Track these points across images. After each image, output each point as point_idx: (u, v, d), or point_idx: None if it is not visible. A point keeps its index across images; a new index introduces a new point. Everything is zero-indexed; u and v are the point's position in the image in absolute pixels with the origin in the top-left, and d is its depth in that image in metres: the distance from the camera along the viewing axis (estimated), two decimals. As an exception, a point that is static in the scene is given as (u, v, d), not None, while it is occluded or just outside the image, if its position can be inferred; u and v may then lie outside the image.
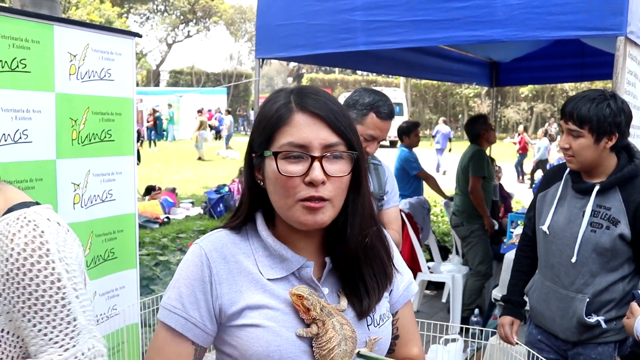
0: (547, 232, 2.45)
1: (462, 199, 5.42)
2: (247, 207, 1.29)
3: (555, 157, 19.40)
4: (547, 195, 2.53)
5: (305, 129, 1.16)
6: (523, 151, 18.30)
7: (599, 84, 32.97)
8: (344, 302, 1.24)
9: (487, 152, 5.71)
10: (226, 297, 1.20)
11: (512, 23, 3.12)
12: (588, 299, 2.35)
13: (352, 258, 1.24)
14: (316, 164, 1.14)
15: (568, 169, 2.44)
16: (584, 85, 34.06)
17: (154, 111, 25.56)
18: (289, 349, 1.17)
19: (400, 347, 1.39)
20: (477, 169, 5.24)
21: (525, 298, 2.70)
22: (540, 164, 16.61)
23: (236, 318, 1.20)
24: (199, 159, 20.35)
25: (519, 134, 19.99)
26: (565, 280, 2.41)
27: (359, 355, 1.21)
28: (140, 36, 3.17)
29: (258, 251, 1.25)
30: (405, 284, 1.39)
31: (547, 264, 2.50)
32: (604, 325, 2.36)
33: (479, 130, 5.46)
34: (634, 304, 2.06)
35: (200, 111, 24.79)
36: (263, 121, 1.21)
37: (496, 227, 5.42)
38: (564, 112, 2.33)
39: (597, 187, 2.31)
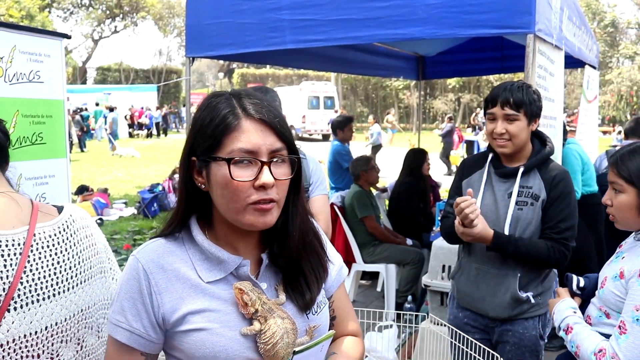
0: None
1: (353, 234, 5.52)
2: (182, 213, 1.32)
3: (484, 145, 20.05)
4: (471, 182, 2.67)
5: (253, 135, 1.21)
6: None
7: (520, 76, 34.34)
8: (282, 296, 1.30)
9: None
10: (167, 305, 1.25)
11: (431, 21, 3.29)
12: (519, 274, 2.53)
13: (294, 256, 1.31)
14: (265, 168, 1.20)
15: (490, 156, 2.62)
16: (508, 77, 35.36)
17: (78, 110, 24.61)
18: (234, 347, 1.22)
19: (337, 326, 1.48)
20: (364, 210, 5.40)
21: (449, 282, 2.83)
22: (375, 149, 16.95)
23: (180, 324, 1.24)
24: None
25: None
26: (496, 260, 2.56)
27: (294, 353, 1.26)
28: (69, 37, 3.16)
29: (195, 255, 1.29)
30: (336, 269, 1.47)
31: (477, 245, 2.62)
32: (532, 301, 2.55)
33: (359, 171, 5.60)
34: (559, 289, 2.24)
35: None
36: (209, 127, 1.23)
37: (409, 242, 5.56)
38: (496, 99, 2.49)
39: (521, 169, 2.53)
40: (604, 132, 28.95)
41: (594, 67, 6.20)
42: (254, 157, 1.20)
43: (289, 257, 1.31)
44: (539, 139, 2.63)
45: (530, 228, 2.52)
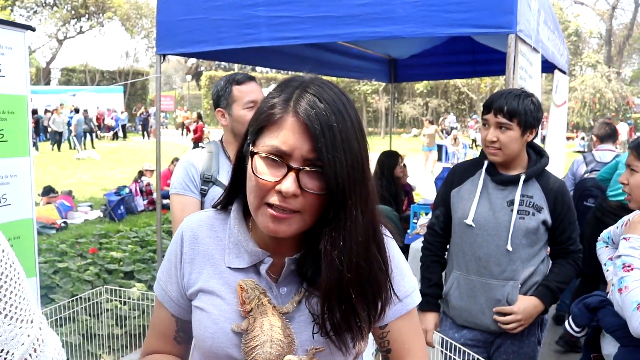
0: (473, 225, 2.50)
1: None
2: (228, 190, 1.28)
3: (452, 149, 20.20)
4: (462, 191, 2.58)
5: (291, 136, 1.08)
6: (198, 140, 18.42)
7: (487, 80, 34.87)
8: (290, 306, 1.20)
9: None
10: (188, 276, 1.26)
11: (410, 20, 3.22)
12: (520, 285, 2.47)
13: (333, 296, 1.13)
14: (291, 175, 1.07)
15: (486, 164, 2.53)
16: (474, 81, 35.86)
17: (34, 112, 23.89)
18: (221, 339, 1.18)
19: None
20: None
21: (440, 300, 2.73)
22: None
23: (194, 298, 1.25)
24: None
25: (194, 121, 19.79)
26: (495, 270, 2.48)
27: None
28: (33, 29, 3.00)
29: (232, 237, 1.24)
30: (400, 295, 1.27)
31: (472, 257, 2.53)
32: None
33: None
34: None
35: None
36: (259, 112, 1.15)
37: None
38: (491, 106, 2.43)
39: (522, 177, 2.46)
40: (567, 138, 29.48)
41: (563, 72, 6.24)
42: (284, 159, 1.08)
43: (326, 292, 1.12)
44: (532, 148, 2.57)
45: (530, 237, 2.46)
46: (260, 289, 1.19)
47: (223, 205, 1.30)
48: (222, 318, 1.19)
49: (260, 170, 1.10)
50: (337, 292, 1.12)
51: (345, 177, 1.07)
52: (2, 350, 1.15)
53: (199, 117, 21.75)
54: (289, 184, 1.06)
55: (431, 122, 19.77)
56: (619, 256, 2.06)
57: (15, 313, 1.21)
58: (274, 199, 1.09)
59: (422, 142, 18.58)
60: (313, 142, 1.07)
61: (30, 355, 1.21)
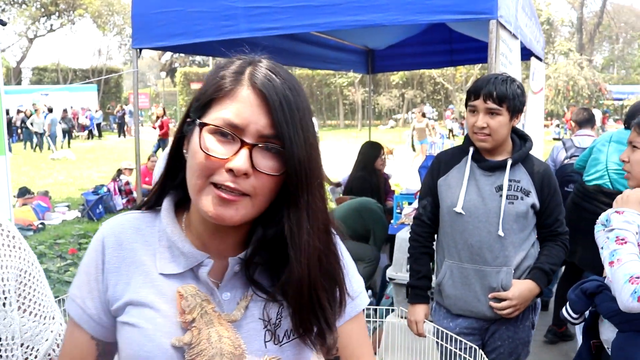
0: (463, 213, 2.47)
1: None
2: (161, 184, 1.13)
3: (429, 139, 20.28)
4: (449, 179, 2.56)
5: (246, 109, 0.97)
6: (164, 136, 17.80)
7: (462, 70, 35.06)
8: (237, 312, 1.07)
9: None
10: (112, 288, 1.07)
11: (391, 8, 3.19)
12: (513, 271, 2.47)
13: (304, 289, 1.03)
14: (244, 151, 0.96)
15: (471, 151, 2.51)
16: (449, 72, 36.01)
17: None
18: (159, 357, 1.02)
19: None
20: None
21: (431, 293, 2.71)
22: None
23: (120, 313, 1.07)
24: None
25: (157, 118, 19.02)
26: (489, 256, 2.46)
27: None
28: (4, 24, 2.91)
29: (162, 240, 1.09)
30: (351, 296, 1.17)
31: (464, 245, 2.51)
32: None
33: None
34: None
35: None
36: (206, 85, 1.03)
37: None
38: (479, 92, 2.40)
39: (510, 162, 2.45)
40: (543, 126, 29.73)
41: (540, 59, 6.28)
42: (237, 133, 0.97)
43: (298, 286, 1.02)
44: (515, 133, 2.56)
45: (520, 221, 2.46)
46: (202, 296, 1.05)
47: (150, 205, 1.15)
48: (159, 333, 1.03)
49: (209, 146, 0.97)
50: (309, 284, 1.03)
51: (305, 156, 1.00)
52: (28, 346, 1.14)
53: (164, 111, 21.42)
54: (241, 161, 0.96)
55: (423, 115, 19.76)
56: (612, 229, 2.04)
57: (39, 310, 1.19)
58: (221, 178, 0.97)
59: (405, 134, 18.66)
60: (271, 117, 0.97)
61: (53, 350, 1.19)
